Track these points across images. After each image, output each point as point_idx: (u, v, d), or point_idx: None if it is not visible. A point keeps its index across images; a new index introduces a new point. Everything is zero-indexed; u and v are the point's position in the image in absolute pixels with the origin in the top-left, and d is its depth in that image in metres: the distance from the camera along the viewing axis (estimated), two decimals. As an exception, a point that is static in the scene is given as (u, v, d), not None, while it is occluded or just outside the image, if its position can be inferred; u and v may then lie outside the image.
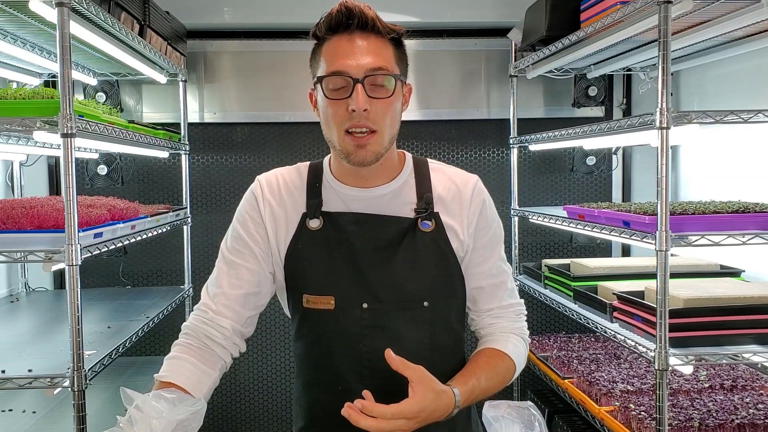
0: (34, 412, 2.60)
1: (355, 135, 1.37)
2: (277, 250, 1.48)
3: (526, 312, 1.59)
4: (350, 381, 1.42)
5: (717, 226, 2.01)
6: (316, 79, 1.42)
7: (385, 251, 1.44)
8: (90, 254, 2.02)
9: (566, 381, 2.71)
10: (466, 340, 1.55)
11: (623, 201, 3.66)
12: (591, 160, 3.66)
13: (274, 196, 1.50)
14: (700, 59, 2.85)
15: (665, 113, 1.92)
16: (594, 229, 2.43)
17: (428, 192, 1.49)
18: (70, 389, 1.93)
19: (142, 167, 3.60)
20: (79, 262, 1.92)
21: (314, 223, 1.46)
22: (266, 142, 3.67)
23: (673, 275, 2.56)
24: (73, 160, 1.90)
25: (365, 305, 1.42)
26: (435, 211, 1.48)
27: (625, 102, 3.69)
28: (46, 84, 3.25)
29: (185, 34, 3.37)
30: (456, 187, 1.51)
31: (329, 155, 1.54)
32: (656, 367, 1.98)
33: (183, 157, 3.39)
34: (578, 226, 2.59)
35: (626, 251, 3.79)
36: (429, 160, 1.57)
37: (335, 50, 1.38)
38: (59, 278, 3.54)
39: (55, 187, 3.51)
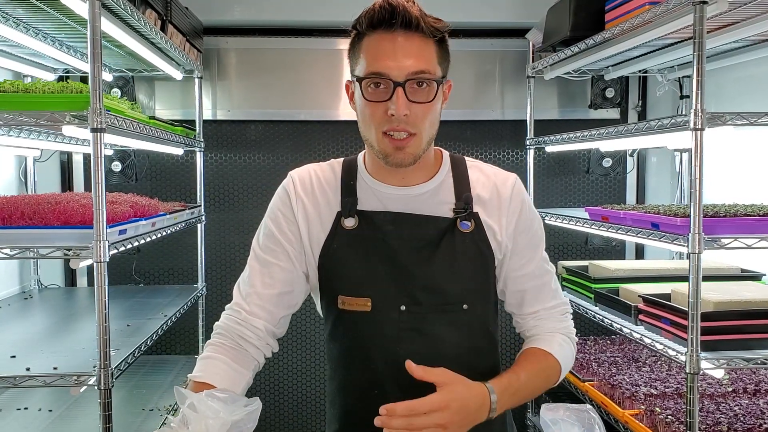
0: (50, 411, 2.57)
1: (393, 138, 1.34)
2: (310, 249, 1.44)
3: (571, 311, 1.56)
4: (386, 385, 1.39)
5: (749, 228, 2.00)
6: (354, 75, 1.38)
7: (424, 252, 1.40)
8: (116, 251, 2.00)
9: (586, 384, 2.70)
10: (501, 342, 1.53)
11: (637, 203, 3.65)
12: (607, 162, 3.65)
13: (307, 193, 1.46)
14: (717, 63, 2.84)
15: (699, 114, 1.90)
16: (619, 231, 2.42)
17: (467, 191, 1.45)
18: (96, 388, 1.91)
19: (155, 164, 3.57)
20: (107, 259, 1.90)
21: (350, 222, 1.42)
22: (280, 140, 3.64)
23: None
24: (103, 155, 1.88)
25: (403, 307, 1.38)
26: (474, 211, 1.44)
27: (640, 104, 3.68)
28: (60, 79, 3.22)
29: (202, 31, 3.34)
30: (495, 186, 1.47)
31: (363, 152, 1.51)
32: (688, 371, 1.96)
33: (198, 154, 3.36)
34: (601, 228, 2.57)
35: (639, 253, 3.78)
36: (466, 158, 1.53)
37: (376, 49, 1.33)
38: (71, 275, 3.51)
39: (67, 184, 3.48)
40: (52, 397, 2.75)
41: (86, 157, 3.49)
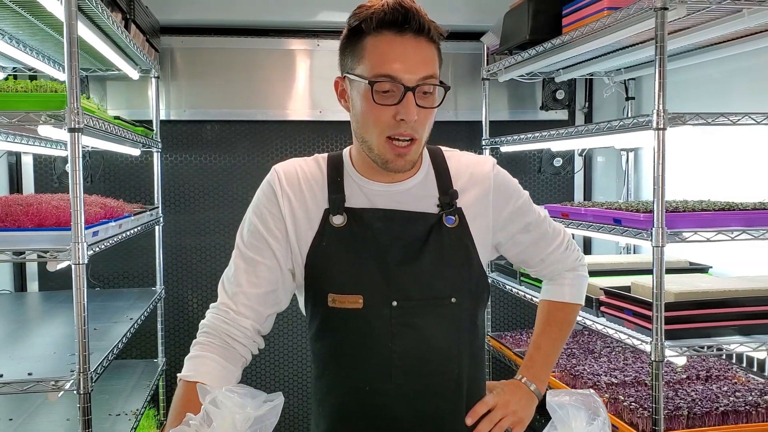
0: (10, 420, 2.50)
1: (396, 143, 1.35)
2: (297, 247, 1.43)
3: (571, 238, 1.68)
4: (379, 381, 1.41)
5: (707, 223, 2.12)
6: (356, 75, 1.35)
7: (413, 247, 1.42)
8: (93, 252, 1.97)
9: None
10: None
11: (584, 200, 3.79)
12: (558, 162, 3.78)
13: (293, 189, 1.44)
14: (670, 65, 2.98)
15: (662, 115, 2.00)
16: (579, 227, 2.52)
17: (450, 185, 1.47)
18: (75, 392, 1.88)
19: (110, 165, 3.50)
20: (86, 261, 1.87)
21: (338, 220, 1.42)
22: (237, 141, 3.63)
23: (647, 271, 2.69)
24: (80, 155, 1.86)
25: (395, 303, 1.39)
26: (458, 206, 1.47)
27: (587, 106, 3.82)
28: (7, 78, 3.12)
29: (159, 30, 3.30)
30: (472, 175, 1.50)
31: (348, 148, 1.50)
32: (653, 359, 2.06)
33: (155, 155, 3.32)
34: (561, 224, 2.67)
35: (587, 249, 3.92)
36: (442, 147, 1.55)
37: (387, 51, 1.31)
38: (21, 280, 3.40)
39: (15, 186, 3.38)
40: (10, 405, 2.67)
41: (36, 158, 3.39)
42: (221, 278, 1.48)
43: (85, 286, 1.87)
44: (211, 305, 1.45)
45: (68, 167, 3.24)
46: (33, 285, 3.43)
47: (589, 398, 1.20)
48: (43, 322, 2.69)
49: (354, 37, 1.36)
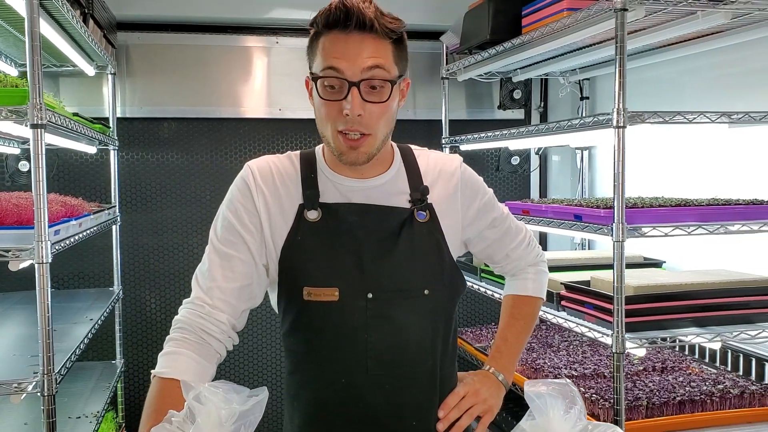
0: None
1: (347, 137, 1.38)
2: (272, 241, 1.44)
3: (532, 235, 1.75)
4: (355, 374, 1.43)
5: (665, 218, 2.18)
6: (311, 72, 1.41)
7: (387, 241, 1.45)
8: (55, 251, 1.93)
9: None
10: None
11: (540, 198, 3.87)
12: (515, 160, 3.85)
13: (267, 185, 1.45)
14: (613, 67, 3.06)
15: (622, 113, 2.06)
16: (540, 224, 2.57)
17: (420, 182, 1.51)
18: (39, 394, 1.84)
19: (65, 164, 3.42)
20: (50, 260, 1.84)
21: (312, 215, 1.44)
22: (194, 138, 3.59)
23: (606, 266, 2.77)
24: (44, 152, 1.82)
25: (370, 295, 1.42)
26: (429, 202, 1.51)
27: (542, 105, 3.90)
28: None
29: (116, 26, 3.24)
30: (440, 173, 1.54)
31: (321, 145, 1.52)
32: (614, 351, 2.12)
33: (111, 153, 3.26)
34: (521, 222, 2.72)
35: (543, 245, 4.00)
36: (411, 146, 1.59)
37: (331, 48, 1.36)
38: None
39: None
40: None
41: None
42: (194, 274, 1.47)
43: (49, 285, 1.84)
44: (185, 301, 1.44)
45: (21, 165, 3.18)
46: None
47: (566, 387, 1.24)
48: (-1, 324, 2.62)
49: (312, 39, 1.41)
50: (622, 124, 2.06)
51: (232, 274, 1.42)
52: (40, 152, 1.80)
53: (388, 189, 1.49)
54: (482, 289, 3.13)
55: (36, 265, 1.82)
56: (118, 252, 3.28)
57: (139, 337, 3.55)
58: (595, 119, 2.21)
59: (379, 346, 1.42)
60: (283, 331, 1.51)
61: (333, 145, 1.41)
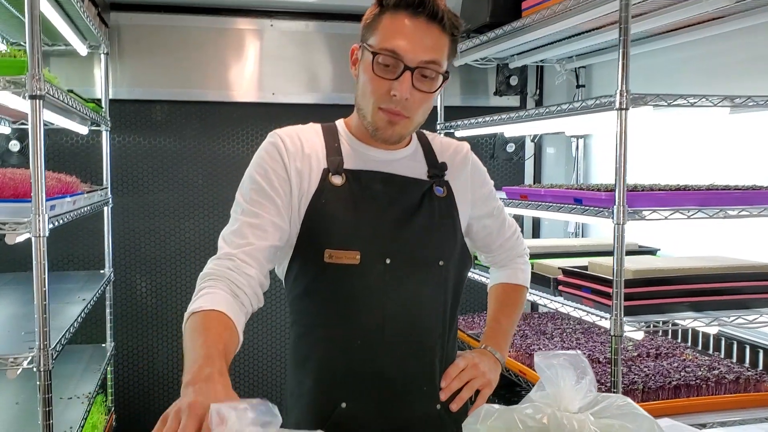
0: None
1: (388, 111, 1.42)
2: (298, 205, 1.45)
3: (519, 228, 1.82)
4: (371, 337, 1.45)
5: (665, 202, 2.19)
6: (367, 45, 1.42)
7: (407, 211, 1.49)
8: (52, 226, 1.90)
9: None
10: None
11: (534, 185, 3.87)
12: (510, 147, 3.84)
13: (295, 150, 1.46)
14: (610, 54, 3.06)
15: (624, 95, 2.05)
16: (539, 208, 2.57)
17: (436, 160, 1.58)
18: (35, 369, 1.81)
19: (55, 145, 3.37)
20: (47, 233, 1.80)
21: (337, 180, 1.46)
22: (187, 122, 3.55)
23: (600, 253, 2.77)
24: (42, 124, 1.79)
25: (388, 261, 1.45)
26: (445, 179, 1.57)
27: (537, 92, 3.89)
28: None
29: (109, 5, 3.19)
30: (454, 155, 1.62)
31: (341, 119, 1.57)
32: (612, 334, 2.12)
33: (104, 134, 3.22)
34: (519, 206, 2.72)
35: (536, 233, 4.00)
36: (422, 130, 1.63)
37: (396, 28, 1.38)
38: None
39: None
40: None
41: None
42: (221, 234, 1.43)
43: (46, 260, 1.80)
44: (211, 258, 1.38)
45: (12, 145, 3.14)
46: (-30, 267, 3.29)
47: (577, 358, 1.23)
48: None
49: (376, 12, 1.43)
50: (624, 106, 2.06)
51: (261, 233, 1.41)
52: (38, 124, 1.77)
53: (408, 163, 1.55)
54: (475, 277, 3.12)
55: (33, 239, 1.79)
56: (110, 235, 3.24)
57: (130, 321, 3.52)
58: (597, 101, 2.20)
59: (395, 311, 1.45)
60: (293, 295, 1.51)
61: (370, 120, 1.44)
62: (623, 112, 2.06)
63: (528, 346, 2.81)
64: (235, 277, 1.34)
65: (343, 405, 1.45)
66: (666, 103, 2.12)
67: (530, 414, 1.12)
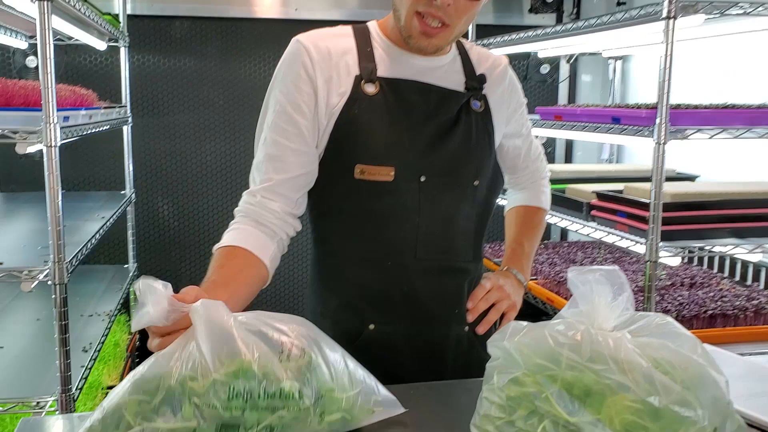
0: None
1: (425, 21, 1.28)
2: (326, 118, 1.34)
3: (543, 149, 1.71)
4: (403, 256, 1.38)
5: (710, 120, 2.05)
6: None
7: (444, 125, 1.38)
8: (65, 138, 1.83)
9: (530, 282, 2.75)
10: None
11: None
12: (545, 69, 3.68)
13: (322, 57, 1.33)
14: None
15: (673, 2, 1.90)
16: (574, 129, 2.44)
17: (474, 71, 1.45)
18: (50, 282, 1.77)
19: (73, 62, 3.29)
20: (59, 143, 1.74)
21: (370, 89, 1.34)
22: (208, 40, 3.43)
23: (636, 179, 2.65)
24: (50, 28, 1.70)
25: (423, 178, 1.36)
26: (483, 93, 1.45)
27: (575, 11, 3.70)
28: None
29: None
30: (493, 67, 1.49)
31: (374, 21, 1.43)
32: (647, 259, 2.02)
33: (122, 51, 3.12)
34: (553, 128, 2.60)
35: (568, 158, 3.88)
36: (460, 39, 1.49)
37: None
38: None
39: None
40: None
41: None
42: (253, 165, 1.38)
43: (58, 170, 1.74)
44: (243, 193, 1.36)
45: (29, 61, 3.06)
46: (-8, 186, 3.27)
47: (614, 274, 1.13)
48: (7, 220, 2.55)
49: None
50: (673, 14, 1.91)
51: (283, 165, 1.33)
52: (46, 27, 1.67)
53: (446, 72, 1.42)
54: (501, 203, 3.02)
55: (44, 149, 1.72)
56: (130, 155, 3.17)
57: (152, 242, 3.50)
58: (642, 11, 2.05)
59: (428, 230, 1.37)
60: (318, 212, 1.43)
61: (404, 25, 1.31)
62: (671, 21, 1.91)
63: (557, 274, 2.73)
64: (260, 213, 1.31)
65: (371, 327, 1.40)
66: (719, 12, 1.96)
67: (562, 330, 1.03)
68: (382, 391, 1.11)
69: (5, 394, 1.84)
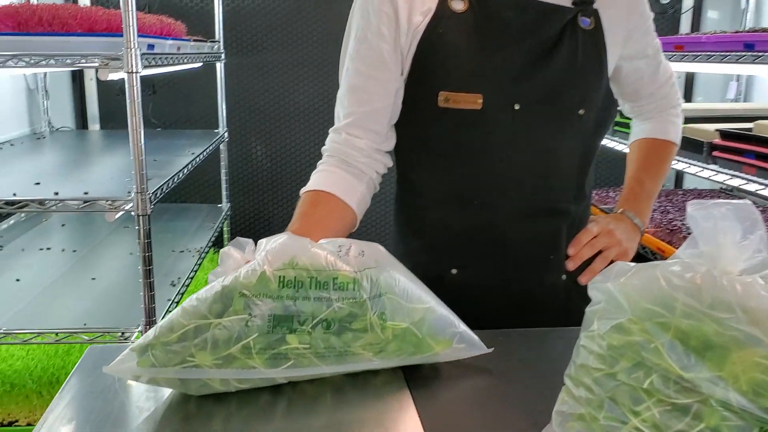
0: (74, 251, 2.44)
1: None
2: (408, 39, 1.21)
3: (674, 71, 1.46)
4: (491, 195, 1.24)
5: None
6: None
7: (544, 46, 1.20)
8: (147, 65, 1.77)
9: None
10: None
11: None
12: (665, -1, 3.37)
13: None
14: None
15: None
16: (697, 59, 2.19)
17: None
18: (133, 214, 1.74)
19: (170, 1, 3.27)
20: (140, 70, 1.68)
21: (458, 5, 1.18)
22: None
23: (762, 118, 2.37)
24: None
25: (517, 107, 1.19)
26: (594, 8, 1.24)
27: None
28: None
29: None
30: None
31: None
32: (778, 203, 1.79)
33: (215, -18, 3.06)
34: (672, 60, 2.34)
35: (687, 96, 3.57)
36: None
37: None
38: (82, 118, 3.30)
39: None
40: (74, 238, 2.61)
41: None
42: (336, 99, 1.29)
43: (140, 97, 1.69)
44: (330, 129, 1.27)
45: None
46: (94, 125, 3.32)
47: (745, 209, 0.94)
48: (100, 156, 2.58)
49: None
50: None
51: (366, 96, 1.22)
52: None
53: None
54: (612, 145, 2.80)
55: (126, 75, 1.66)
56: (224, 93, 3.14)
57: (245, 182, 3.49)
58: None
59: (522, 166, 1.22)
60: (399, 146, 1.30)
61: None
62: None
63: (669, 222, 2.51)
64: (346, 151, 1.22)
65: (454, 271, 1.27)
66: None
67: (678, 272, 0.87)
68: (463, 326, 0.99)
69: (94, 324, 1.85)
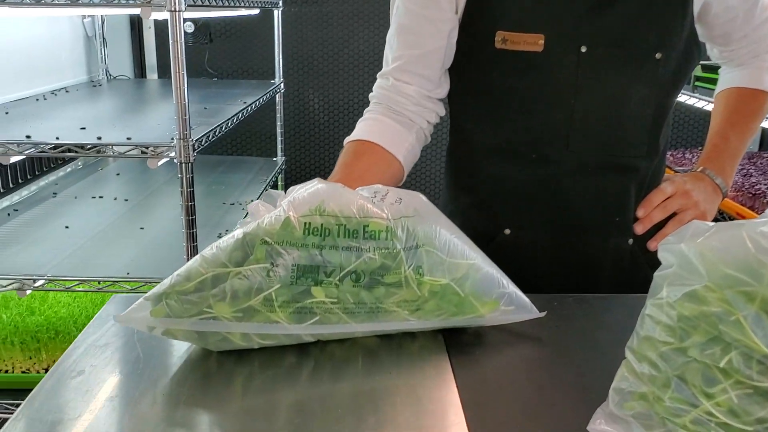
0: (126, 200, 2.42)
1: None
2: None
3: None
4: (552, 147, 1.12)
5: None
6: None
7: None
8: (193, 4, 1.70)
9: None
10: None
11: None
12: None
13: None
14: None
15: None
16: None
17: None
18: (175, 161, 1.68)
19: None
20: (183, 9, 1.60)
21: None
22: None
23: None
24: None
25: (584, 49, 1.07)
26: None
27: None
28: None
29: None
30: None
31: None
32: None
33: (274, -70, 2.95)
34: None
35: None
36: None
37: None
38: (140, 67, 3.29)
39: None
40: (127, 187, 2.61)
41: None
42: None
43: (182, 38, 1.62)
44: (378, 74, 1.19)
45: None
46: (152, 74, 3.30)
47: None
48: (154, 104, 2.55)
49: None
50: None
51: (416, 39, 1.13)
52: None
53: None
54: (691, 102, 2.60)
55: (168, 14, 1.59)
56: (280, 43, 3.06)
57: (301, 135, 3.43)
58: None
59: (587, 115, 1.11)
60: (451, 92, 1.20)
61: None
62: None
63: (752, 186, 2.32)
64: (394, 98, 1.15)
65: (507, 232, 1.18)
66: None
67: (767, 232, 0.74)
68: (512, 287, 0.89)
69: (138, 274, 1.82)
